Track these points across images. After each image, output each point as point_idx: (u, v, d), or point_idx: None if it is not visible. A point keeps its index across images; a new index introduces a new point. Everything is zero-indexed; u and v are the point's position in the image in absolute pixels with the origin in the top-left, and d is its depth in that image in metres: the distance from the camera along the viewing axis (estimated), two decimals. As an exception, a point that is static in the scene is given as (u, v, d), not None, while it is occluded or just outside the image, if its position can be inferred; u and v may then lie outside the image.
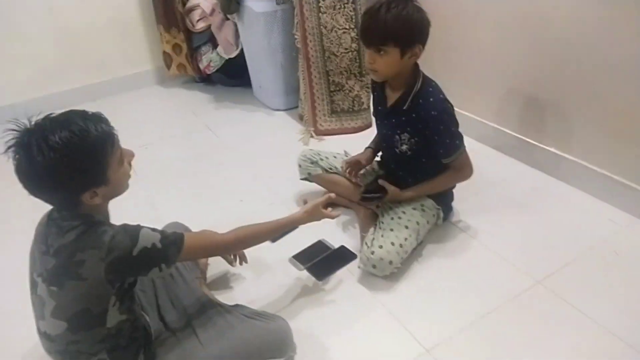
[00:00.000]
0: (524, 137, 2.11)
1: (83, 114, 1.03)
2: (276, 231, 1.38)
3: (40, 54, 2.86)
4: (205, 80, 3.16)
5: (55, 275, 1.06)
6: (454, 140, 1.57)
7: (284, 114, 2.76)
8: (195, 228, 1.69)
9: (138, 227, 1.10)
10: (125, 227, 1.09)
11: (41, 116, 1.02)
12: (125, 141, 1.11)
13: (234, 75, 3.02)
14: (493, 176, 2.06)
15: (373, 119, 2.49)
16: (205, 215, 1.98)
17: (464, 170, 1.64)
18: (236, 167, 2.32)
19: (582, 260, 1.62)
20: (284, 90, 2.72)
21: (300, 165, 1.91)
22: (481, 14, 2.08)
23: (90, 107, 1.09)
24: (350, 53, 2.35)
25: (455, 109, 1.58)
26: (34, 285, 1.13)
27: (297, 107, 2.67)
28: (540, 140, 2.05)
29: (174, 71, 3.08)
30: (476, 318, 1.44)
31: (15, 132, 0.99)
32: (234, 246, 1.25)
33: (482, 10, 2.07)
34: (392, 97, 1.62)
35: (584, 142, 1.89)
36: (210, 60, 2.92)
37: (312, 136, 2.49)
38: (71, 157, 0.98)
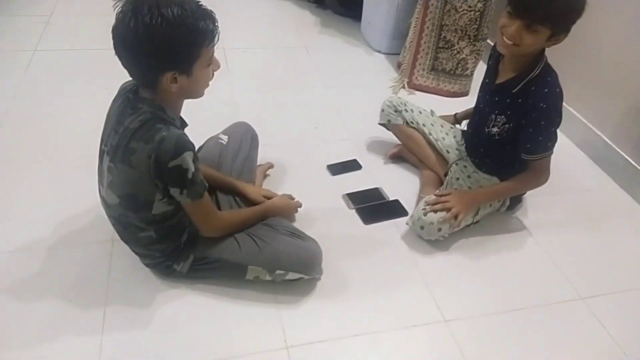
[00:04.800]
0: (631, 160, 1.89)
1: (199, 4, 1.07)
2: (255, 221, 1.39)
3: None
4: (318, 2, 3.12)
5: (114, 153, 1.15)
6: (547, 142, 1.46)
7: (383, 57, 2.69)
8: (262, 136, 1.74)
9: (189, 145, 1.12)
10: (179, 136, 1.11)
11: None
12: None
13: (347, 5, 2.95)
14: (577, 184, 1.94)
15: (472, 87, 2.39)
16: (276, 128, 2.05)
17: (541, 175, 1.53)
18: (320, 94, 2.33)
19: (634, 293, 1.52)
20: (391, 32, 2.63)
21: (383, 110, 1.87)
22: (623, 9, 1.84)
23: (206, -2, 1.11)
24: (472, 12, 2.21)
25: (567, 107, 1.41)
26: (101, 155, 1.23)
27: (398, 53, 2.59)
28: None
29: (292, -16, 3.07)
30: (504, 309, 1.42)
31: None
32: (223, 232, 1.31)
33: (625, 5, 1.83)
34: (504, 74, 1.50)
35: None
36: (329, -18, 2.87)
37: (403, 87, 2.42)
38: (172, 32, 1.02)
